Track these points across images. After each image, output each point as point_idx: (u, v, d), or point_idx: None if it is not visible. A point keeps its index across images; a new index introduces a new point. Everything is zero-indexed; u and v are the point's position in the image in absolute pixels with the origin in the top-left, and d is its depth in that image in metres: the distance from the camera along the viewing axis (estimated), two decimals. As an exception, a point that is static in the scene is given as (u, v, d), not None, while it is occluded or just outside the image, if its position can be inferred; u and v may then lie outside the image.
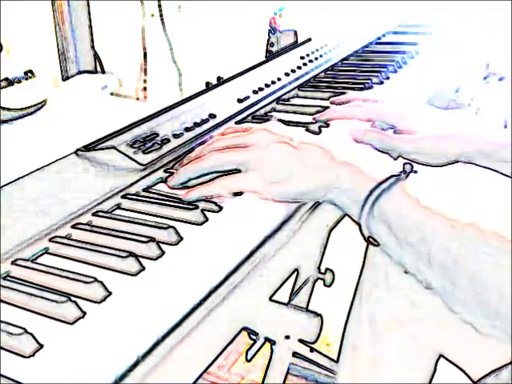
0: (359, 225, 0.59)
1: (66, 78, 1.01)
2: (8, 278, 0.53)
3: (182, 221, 0.61)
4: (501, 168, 0.69)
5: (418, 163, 0.73)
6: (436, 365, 0.58)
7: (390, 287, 0.60)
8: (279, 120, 0.85)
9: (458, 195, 0.60)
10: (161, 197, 0.65)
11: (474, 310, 0.51)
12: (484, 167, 0.70)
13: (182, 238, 0.58)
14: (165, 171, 0.71)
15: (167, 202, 0.64)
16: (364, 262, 0.62)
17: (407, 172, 0.58)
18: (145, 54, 1.06)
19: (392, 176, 0.58)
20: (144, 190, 0.67)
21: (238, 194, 0.64)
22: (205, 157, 0.66)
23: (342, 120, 0.82)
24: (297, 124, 0.84)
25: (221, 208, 0.63)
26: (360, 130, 0.75)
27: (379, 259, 0.61)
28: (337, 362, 0.63)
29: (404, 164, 0.59)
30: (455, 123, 0.75)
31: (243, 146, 0.65)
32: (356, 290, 0.63)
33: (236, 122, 0.86)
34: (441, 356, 0.58)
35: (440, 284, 0.54)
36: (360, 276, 0.62)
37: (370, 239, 0.58)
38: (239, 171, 0.64)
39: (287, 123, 0.84)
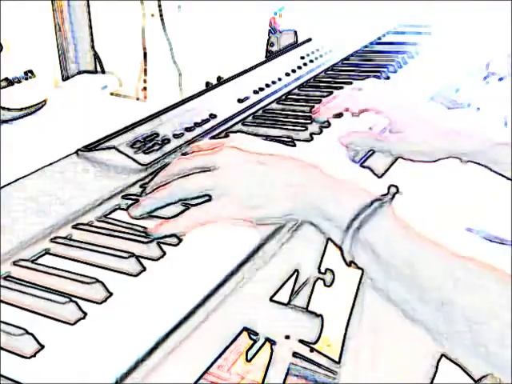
0: (341, 250, 0.55)
1: (66, 78, 1.00)
2: (9, 278, 0.53)
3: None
4: (498, 168, 0.68)
5: (411, 160, 0.72)
6: (438, 364, 0.58)
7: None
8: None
9: (452, 215, 0.57)
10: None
11: (469, 353, 0.47)
12: (482, 165, 0.69)
13: (182, 239, 0.58)
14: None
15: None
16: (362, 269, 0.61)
17: (392, 194, 0.54)
18: (145, 54, 1.05)
19: (376, 200, 0.53)
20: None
21: None
22: (169, 185, 0.59)
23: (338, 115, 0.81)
24: (294, 124, 0.84)
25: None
26: (348, 133, 0.74)
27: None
28: (338, 362, 0.62)
29: (389, 186, 0.54)
30: (453, 119, 0.74)
31: (210, 168, 0.59)
32: (358, 289, 0.62)
33: (236, 123, 0.86)
34: (442, 355, 0.57)
35: (432, 322, 0.49)
36: (361, 276, 0.62)
37: (353, 264, 0.55)
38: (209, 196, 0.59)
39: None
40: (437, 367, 0.58)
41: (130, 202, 0.64)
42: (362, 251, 0.53)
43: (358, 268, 0.55)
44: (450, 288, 0.47)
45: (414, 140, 0.72)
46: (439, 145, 0.70)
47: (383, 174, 0.73)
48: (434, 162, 0.71)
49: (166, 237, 0.58)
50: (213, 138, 0.80)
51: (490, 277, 0.47)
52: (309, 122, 0.84)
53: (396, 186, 0.55)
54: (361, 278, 0.62)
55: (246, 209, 0.57)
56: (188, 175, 0.59)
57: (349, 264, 0.55)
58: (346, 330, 0.62)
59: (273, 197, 0.57)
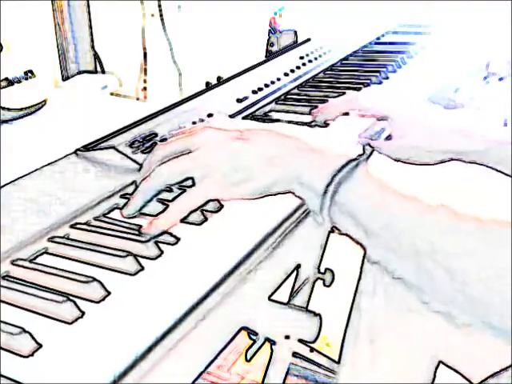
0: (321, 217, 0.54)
1: (66, 78, 1.01)
2: (7, 277, 0.53)
3: (180, 220, 0.61)
4: (503, 168, 0.68)
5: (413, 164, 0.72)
6: (436, 371, 0.57)
7: (387, 292, 0.60)
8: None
9: (428, 175, 0.55)
10: (159, 197, 0.65)
11: (451, 302, 0.47)
12: (485, 165, 0.69)
13: (180, 238, 0.58)
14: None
15: (166, 203, 0.64)
16: (362, 268, 0.61)
17: (368, 154, 0.53)
18: (145, 54, 1.06)
19: (351, 160, 0.52)
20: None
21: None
22: (150, 174, 0.59)
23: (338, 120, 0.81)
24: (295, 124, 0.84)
25: (220, 207, 0.63)
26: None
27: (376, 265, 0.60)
28: (338, 362, 0.62)
29: (364, 145, 0.53)
30: (453, 120, 0.74)
31: (189, 152, 0.58)
32: (354, 296, 0.62)
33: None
34: (440, 362, 0.57)
35: (411, 275, 0.49)
36: (358, 283, 0.61)
37: (335, 229, 0.54)
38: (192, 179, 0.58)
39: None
40: (435, 373, 0.58)
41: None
42: (341, 215, 0.52)
43: (342, 234, 0.53)
44: (427, 245, 0.46)
45: (415, 145, 0.71)
46: (440, 147, 0.70)
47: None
48: (436, 164, 0.71)
49: (160, 235, 0.57)
50: None
51: (467, 225, 0.45)
52: (308, 121, 0.84)
53: (371, 146, 0.54)
54: (359, 279, 0.62)
55: (229, 187, 0.56)
56: (167, 161, 0.58)
57: (331, 230, 0.54)
58: (346, 330, 0.62)
59: (253, 171, 0.56)
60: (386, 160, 0.54)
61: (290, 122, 0.83)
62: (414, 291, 0.49)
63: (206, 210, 0.62)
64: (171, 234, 0.58)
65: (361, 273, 0.61)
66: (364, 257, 0.61)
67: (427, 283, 0.48)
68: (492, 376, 0.51)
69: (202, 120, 0.82)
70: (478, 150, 0.68)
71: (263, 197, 0.57)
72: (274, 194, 0.57)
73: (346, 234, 0.53)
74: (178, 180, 0.58)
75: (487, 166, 0.68)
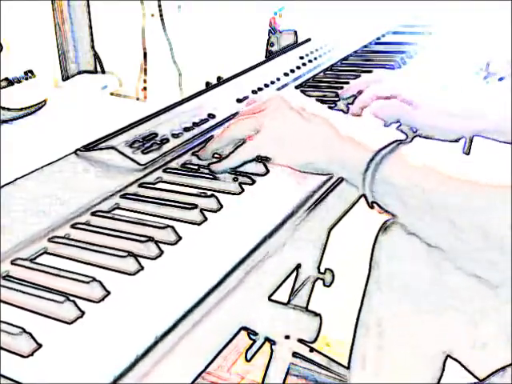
0: (363, 194, 0.59)
1: (66, 78, 1.01)
2: (7, 277, 0.53)
3: (180, 220, 0.61)
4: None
5: (433, 139, 0.74)
6: (444, 364, 0.58)
7: (395, 291, 0.60)
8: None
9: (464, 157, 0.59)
10: (160, 196, 0.65)
11: (487, 261, 0.51)
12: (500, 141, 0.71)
13: (180, 238, 0.58)
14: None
15: (166, 202, 0.64)
16: (370, 270, 0.62)
17: (410, 137, 0.59)
18: (145, 54, 1.06)
19: (394, 141, 0.58)
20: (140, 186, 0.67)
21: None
22: (225, 129, 0.70)
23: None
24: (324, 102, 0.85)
25: (220, 207, 0.63)
26: (379, 105, 0.76)
27: (384, 265, 0.60)
28: (348, 368, 0.63)
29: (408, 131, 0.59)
30: (467, 101, 0.76)
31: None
32: (364, 296, 0.62)
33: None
34: (448, 356, 0.58)
35: (446, 240, 0.53)
36: (368, 279, 0.62)
37: (375, 204, 0.58)
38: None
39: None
40: (444, 367, 0.58)
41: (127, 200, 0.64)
42: (380, 187, 0.56)
43: (381, 209, 0.57)
44: (460, 206, 0.51)
45: (434, 125, 0.74)
46: (457, 126, 0.74)
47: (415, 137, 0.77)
48: (452, 141, 0.74)
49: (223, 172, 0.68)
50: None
51: (495, 195, 0.50)
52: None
53: (414, 130, 0.59)
54: (367, 282, 0.62)
55: (279, 148, 0.64)
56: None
57: (371, 206, 0.58)
58: (355, 333, 0.62)
59: (301, 146, 0.63)
60: (426, 143, 0.60)
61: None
62: (449, 257, 0.53)
63: (206, 210, 0.62)
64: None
65: (368, 277, 0.61)
66: (371, 259, 0.62)
67: (461, 245, 0.51)
68: (497, 371, 0.52)
69: (202, 120, 0.82)
70: (494, 130, 0.70)
71: (307, 173, 0.64)
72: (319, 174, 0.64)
73: (385, 210, 0.58)
74: (244, 135, 0.67)
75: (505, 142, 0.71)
